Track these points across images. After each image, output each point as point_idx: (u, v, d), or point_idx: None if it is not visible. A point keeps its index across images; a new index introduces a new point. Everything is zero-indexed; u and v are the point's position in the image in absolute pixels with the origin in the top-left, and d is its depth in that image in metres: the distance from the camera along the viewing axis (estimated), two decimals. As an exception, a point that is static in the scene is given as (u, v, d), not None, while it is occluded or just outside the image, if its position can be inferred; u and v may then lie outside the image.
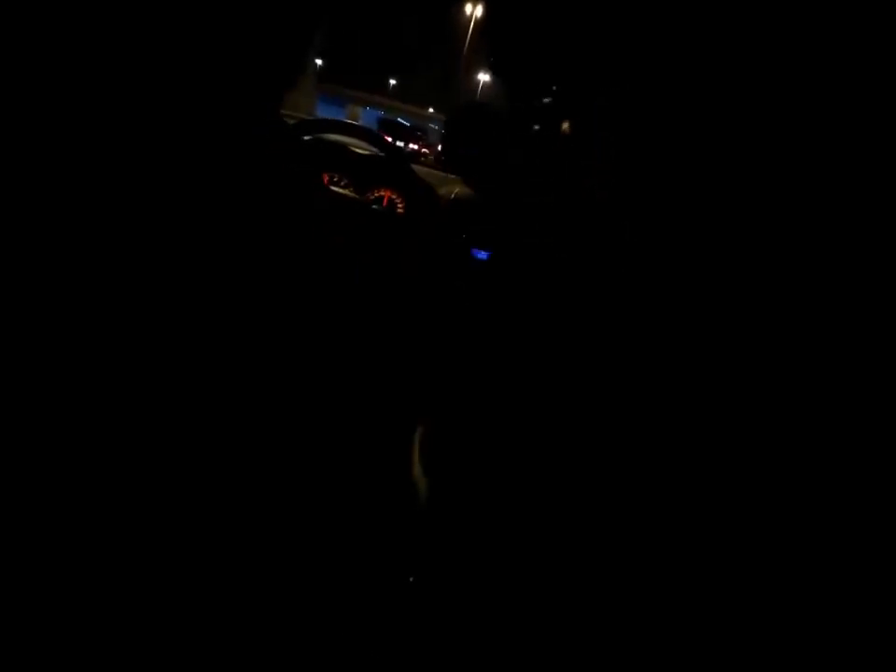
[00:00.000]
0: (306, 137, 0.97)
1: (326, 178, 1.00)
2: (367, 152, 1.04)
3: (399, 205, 1.05)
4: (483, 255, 1.05)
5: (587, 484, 0.81)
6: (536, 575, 0.73)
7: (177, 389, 0.69)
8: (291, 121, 1.02)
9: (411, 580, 0.69)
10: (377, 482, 0.80)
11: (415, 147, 10.61)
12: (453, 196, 1.07)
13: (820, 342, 0.62)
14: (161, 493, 0.64)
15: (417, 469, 0.83)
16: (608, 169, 1.00)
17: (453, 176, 1.26)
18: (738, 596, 0.63)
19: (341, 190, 1.01)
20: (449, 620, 0.67)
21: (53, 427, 0.57)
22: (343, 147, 1.03)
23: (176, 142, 0.61)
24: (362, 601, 0.65)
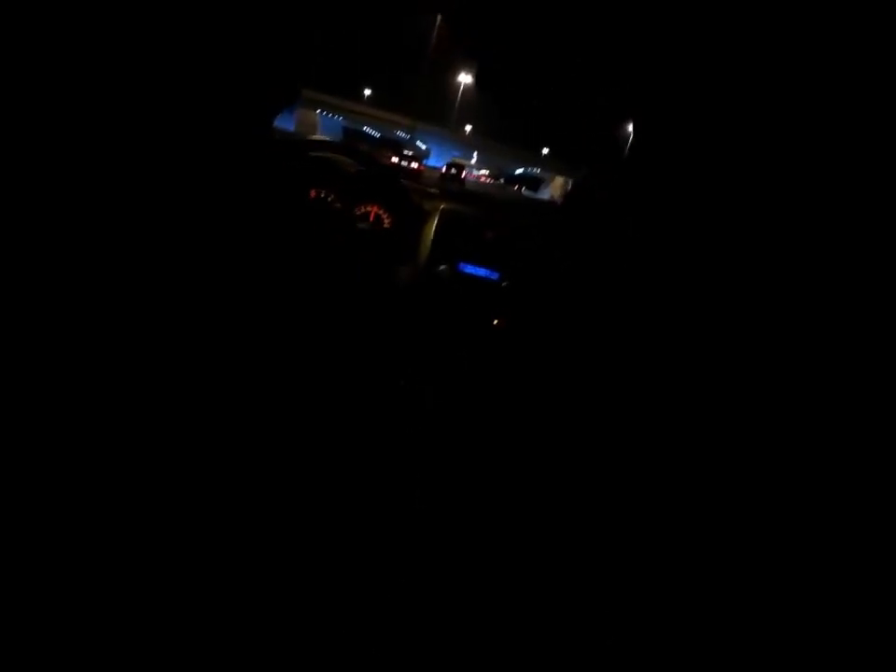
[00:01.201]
0: (295, 153, 1.18)
1: (313, 194, 1.21)
2: (354, 168, 1.25)
3: (386, 221, 1.25)
4: (470, 269, 1.26)
5: (587, 485, 0.94)
6: (533, 576, 0.84)
7: (178, 386, 0.83)
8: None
9: (402, 581, 0.79)
10: (374, 476, 0.92)
11: (414, 165, 12.04)
12: (439, 212, 1.28)
13: (820, 341, 0.72)
14: (161, 490, 0.76)
15: (413, 464, 0.97)
16: (607, 169, 1.18)
17: (436, 191, 1.48)
18: (738, 595, 0.73)
19: (328, 206, 1.21)
20: (441, 621, 0.76)
21: (54, 426, 0.70)
22: (331, 163, 1.24)
23: (175, 152, 0.78)
24: (356, 600, 0.75)
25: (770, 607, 0.71)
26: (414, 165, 12.38)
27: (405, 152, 13.76)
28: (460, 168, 14.74)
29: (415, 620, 0.76)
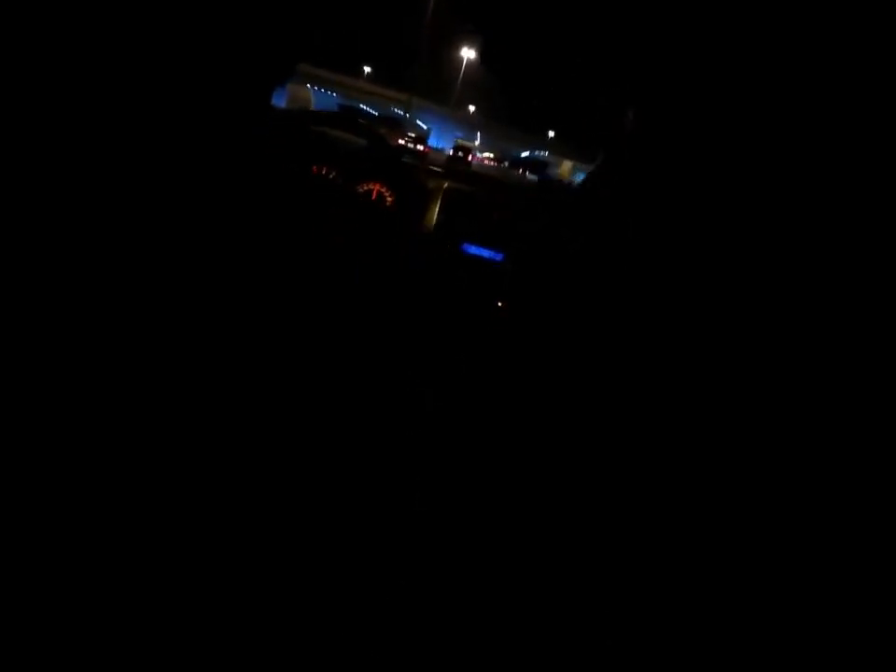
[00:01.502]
0: (296, 129, 1.22)
1: (315, 171, 1.25)
2: (356, 145, 1.29)
3: (389, 198, 1.30)
4: (474, 249, 1.31)
5: (588, 484, 0.97)
6: (534, 576, 0.87)
7: (178, 386, 0.86)
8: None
9: (403, 584, 0.82)
10: (374, 478, 0.96)
11: (420, 147, 12.67)
12: (443, 191, 1.32)
13: (821, 340, 0.75)
14: (161, 490, 0.79)
15: (413, 466, 1.01)
16: (609, 168, 1.21)
17: (441, 170, 1.52)
18: (738, 596, 0.76)
19: (329, 183, 1.26)
20: (442, 622, 0.79)
21: (54, 426, 0.73)
22: (333, 140, 1.28)
23: (176, 136, 0.81)
24: (356, 602, 0.79)
25: (770, 606, 0.74)
26: (420, 147, 12.87)
27: (409, 134, 14.33)
28: (467, 151, 15.48)
29: (415, 621, 0.79)
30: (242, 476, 0.88)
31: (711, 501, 0.84)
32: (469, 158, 15.48)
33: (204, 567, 0.77)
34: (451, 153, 15.12)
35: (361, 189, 1.29)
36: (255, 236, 1.03)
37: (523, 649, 0.79)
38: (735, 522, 0.81)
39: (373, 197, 1.30)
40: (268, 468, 0.91)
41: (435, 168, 1.59)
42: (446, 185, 1.34)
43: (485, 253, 1.30)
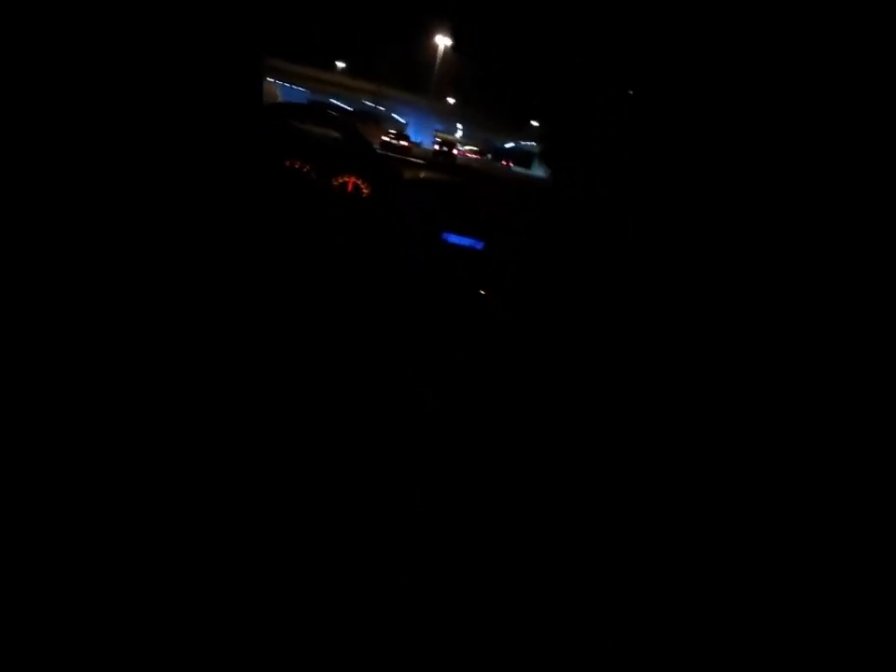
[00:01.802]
0: (267, 121, 1.24)
1: (288, 165, 1.27)
2: (331, 138, 1.32)
3: (365, 190, 1.33)
4: (454, 238, 1.34)
5: (587, 482, 1.01)
6: (534, 575, 0.90)
7: (177, 385, 0.89)
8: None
9: (402, 582, 0.85)
10: (374, 477, 0.99)
11: (405, 143, 13.28)
12: (420, 180, 1.36)
13: (820, 338, 0.79)
14: (162, 489, 0.82)
15: (413, 465, 1.04)
16: (610, 167, 1.25)
17: (421, 161, 1.56)
18: (738, 595, 0.79)
19: (302, 179, 1.28)
20: (441, 621, 0.82)
21: (54, 424, 0.75)
22: (307, 134, 1.30)
23: (170, 136, 0.84)
24: (356, 601, 0.82)
25: (770, 606, 0.76)
26: (404, 143, 13.63)
27: (391, 130, 14.77)
28: (451, 145, 16.72)
29: (415, 620, 0.82)
30: (242, 475, 0.91)
31: (708, 501, 0.88)
32: (455, 152, 16.21)
33: (204, 566, 0.79)
34: (436, 148, 15.87)
35: (336, 182, 1.32)
36: (247, 233, 1.06)
37: (522, 648, 0.81)
38: (734, 520, 0.84)
39: (349, 189, 1.34)
40: (268, 467, 0.94)
41: (414, 160, 1.62)
42: (423, 174, 1.38)
43: (466, 242, 1.34)
